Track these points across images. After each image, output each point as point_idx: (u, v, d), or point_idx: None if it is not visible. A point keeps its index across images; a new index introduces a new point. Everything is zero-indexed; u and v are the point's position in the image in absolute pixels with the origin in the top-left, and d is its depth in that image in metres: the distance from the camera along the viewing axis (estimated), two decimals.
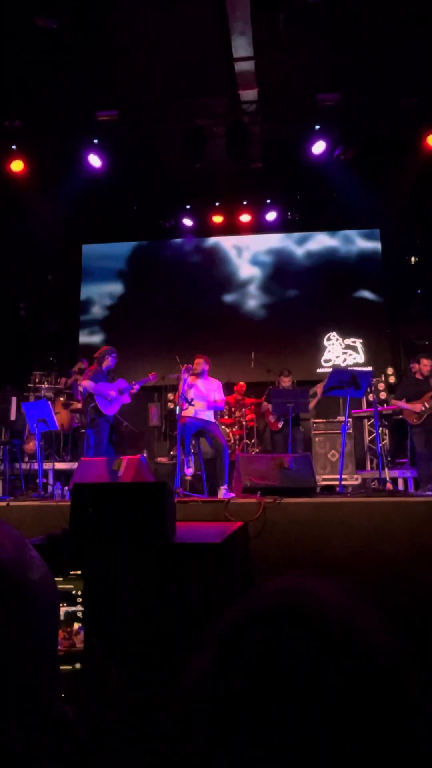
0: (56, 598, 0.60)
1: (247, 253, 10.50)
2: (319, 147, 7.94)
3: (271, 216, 9.84)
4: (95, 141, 8.02)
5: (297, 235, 10.32)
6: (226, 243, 10.50)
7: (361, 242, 10.18)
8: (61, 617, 0.96)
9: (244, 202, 9.90)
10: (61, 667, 0.85)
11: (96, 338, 10.45)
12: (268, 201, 9.80)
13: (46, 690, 0.54)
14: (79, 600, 1.00)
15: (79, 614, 0.96)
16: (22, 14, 5.95)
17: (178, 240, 10.50)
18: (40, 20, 5.62)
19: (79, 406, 7.74)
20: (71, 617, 0.97)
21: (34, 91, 7.28)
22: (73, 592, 1.01)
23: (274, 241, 10.38)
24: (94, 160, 8.14)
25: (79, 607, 0.98)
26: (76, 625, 0.96)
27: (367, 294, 9.91)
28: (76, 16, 5.89)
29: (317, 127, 7.82)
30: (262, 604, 0.48)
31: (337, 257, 10.23)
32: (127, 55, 6.85)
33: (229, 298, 10.33)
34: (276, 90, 7.58)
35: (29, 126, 7.84)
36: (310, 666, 0.43)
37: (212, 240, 10.51)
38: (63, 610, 0.97)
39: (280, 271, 10.35)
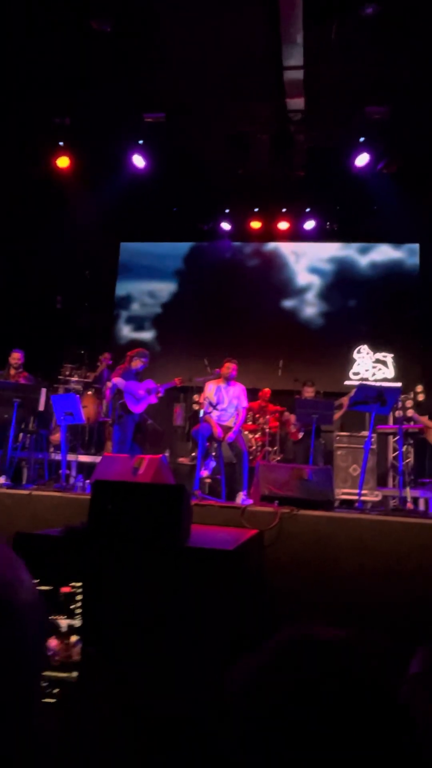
0: (44, 620, 0.63)
1: (284, 261, 10.50)
2: (362, 159, 7.91)
3: (309, 225, 9.81)
4: (140, 142, 8.13)
5: (334, 245, 10.28)
6: (269, 248, 10.53)
7: (400, 256, 10.09)
8: (63, 629, 1.00)
9: (284, 210, 9.89)
10: (58, 674, 0.90)
11: (132, 335, 10.62)
12: (308, 210, 9.78)
13: (28, 703, 0.57)
14: (78, 612, 1.05)
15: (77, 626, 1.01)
16: (76, 16, 6.09)
17: (223, 243, 10.52)
18: (95, 23, 5.74)
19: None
20: (70, 629, 1.02)
21: (84, 90, 7.42)
22: (71, 606, 1.06)
23: (310, 251, 10.35)
24: (138, 161, 8.26)
25: (77, 621, 1.02)
26: (74, 638, 1.00)
27: (401, 308, 9.81)
28: (129, 20, 6.01)
29: (362, 139, 7.78)
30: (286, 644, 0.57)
31: (373, 270, 10.15)
32: (177, 60, 6.93)
33: (263, 304, 10.32)
34: (323, 100, 7.57)
35: (77, 124, 7.99)
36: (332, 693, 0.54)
37: (253, 245, 10.56)
38: (65, 622, 1.02)
39: (315, 283, 10.32)
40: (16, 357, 7.11)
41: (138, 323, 10.73)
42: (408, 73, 6.79)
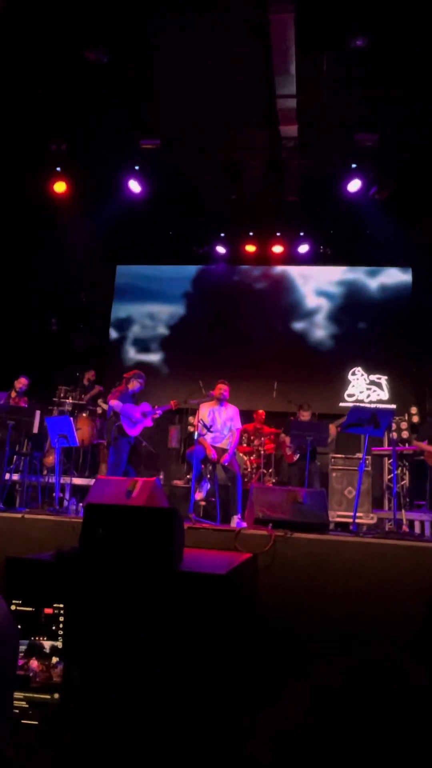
0: (15, 641, 0.63)
1: (287, 285, 10.61)
2: (354, 185, 8.05)
3: (303, 248, 9.94)
4: (137, 167, 8.27)
5: (327, 269, 10.39)
6: (263, 272, 10.63)
7: (393, 279, 10.20)
8: (46, 650, 1.00)
9: (278, 234, 10.02)
10: (38, 696, 0.89)
11: (137, 356, 10.65)
12: (302, 234, 9.91)
13: None
14: (60, 633, 1.04)
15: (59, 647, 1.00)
16: (74, 45, 6.24)
17: (218, 266, 10.62)
18: (91, 54, 5.88)
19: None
20: (52, 650, 1.01)
21: (81, 118, 7.57)
22: (53, 626, 1.05)
23: (311, 274, 10.46)
24: (134, 186, 8.39)
25: (59, 642, 1.02)
26: (55, 659, 1.00)
27: (394, 331, 9.89)
28: (125, 50, 6.17)
29: (354, 165, 7.93)
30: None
31: (367, 293, 10.25)
32: (172, 88, 7.09)
33: (258, 326, 10.38)
34: (315, 128, 7.73)
35: (75, 150, 8.13)
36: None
37: (246, 267, 10.67)
38: (48, 644, 1.01)
39: (316, 306, 10.41)
40: (22, 382, 7.35)
41: (141, 345, 10.76)
42: (396, 103, 6.95)
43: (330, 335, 10.21)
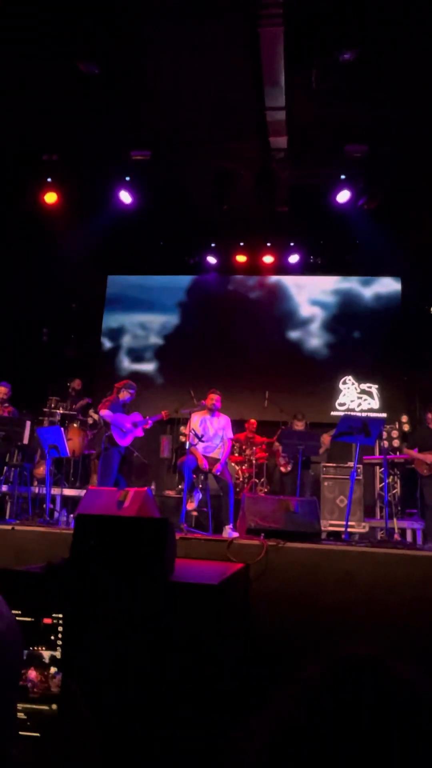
0: (19, 648, 0.62)
1: (280, 294, 10.66)
2: (343, 196, 8.13)
3: (293, 258, 10.00)
4: (127, 178, 8.30)
5: (321, 278, 10.45)
6: (262, 281, 10.67)
7: (386, 288, 10.27)
8: (45, 660, 0.99)
9: (268, 244, 10.08)
10: (37, 707, 0.88)
11: (131, 366, 10.61)
12: (292, 244, 9.97)
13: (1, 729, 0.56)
14: (59, 643, 1.03)
15: (57, 657, 0.99)
16: (65, 56, 6.27)
17: (209, 276, 10.67)
18: (83, 66, 5.91)
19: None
20: (51, 660, 1.00)
21: (73, 129, 7.59)
22: (52, 636, 1.04)
23: (299, 283, 10.52)
24: (125, 197, 8.41)
25: (58, 652, 1.00)
26: (53, 669, 0.98)
27: (384, 340, 9.95)
28: (116, 61, 6.20)
29: (343, 176, 8.01)
30: (346, 665, 0.54)
31: (361, 302, 10.32)
32: (163, 100, 7.14)
33: (248, 336, 10.41)
34: (305, 139, 7.80)
35: (66, 161, 8.15)
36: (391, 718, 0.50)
37: (241, 277, 10.71)
38: (47, 654, 1.00)
39: (302, 313, 10.46)
40: (2, 391, 7.13)
41: (135, 355, 10.74)
42: (384, 114, 7.04)
43: (325, 344, 10.26)
